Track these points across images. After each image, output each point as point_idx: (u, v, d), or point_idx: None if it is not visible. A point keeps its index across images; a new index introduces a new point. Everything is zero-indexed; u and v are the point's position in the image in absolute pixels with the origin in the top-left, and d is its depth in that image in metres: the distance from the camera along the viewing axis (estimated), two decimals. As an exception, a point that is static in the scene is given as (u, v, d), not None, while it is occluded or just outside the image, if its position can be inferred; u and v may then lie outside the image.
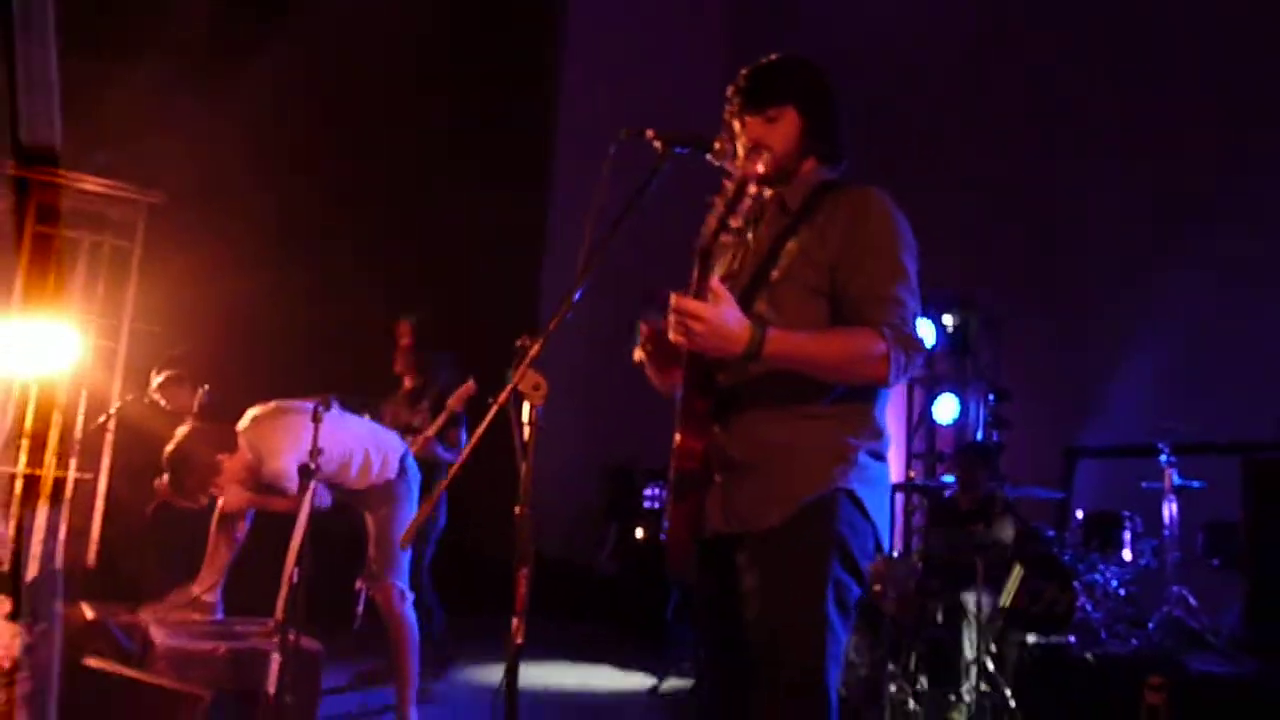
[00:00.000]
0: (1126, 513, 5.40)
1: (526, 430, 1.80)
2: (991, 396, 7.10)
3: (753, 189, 2.05)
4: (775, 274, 2.05)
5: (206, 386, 5.64)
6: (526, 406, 1.81)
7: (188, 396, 5.61)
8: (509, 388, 1.79)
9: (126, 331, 6.29)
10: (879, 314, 1.97)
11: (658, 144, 1.99)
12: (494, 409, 1.80)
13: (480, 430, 1.77)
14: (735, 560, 2.03)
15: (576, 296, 1.89)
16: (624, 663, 6.18)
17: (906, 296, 2.02)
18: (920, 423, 7.81)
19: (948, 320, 7.40)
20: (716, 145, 2.06)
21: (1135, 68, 6.92)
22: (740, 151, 2.09)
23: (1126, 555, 5.33)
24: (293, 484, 3.47)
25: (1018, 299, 7.30)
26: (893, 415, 7.44)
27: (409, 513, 3.97)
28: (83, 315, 6.21)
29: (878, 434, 2.09)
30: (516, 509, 1.78)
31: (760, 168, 2.06)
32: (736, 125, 2.12)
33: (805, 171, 2.15)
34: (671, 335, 1.86)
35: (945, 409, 7.40)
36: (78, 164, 6.32)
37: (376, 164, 7.93)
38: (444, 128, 8.29)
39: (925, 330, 7.27)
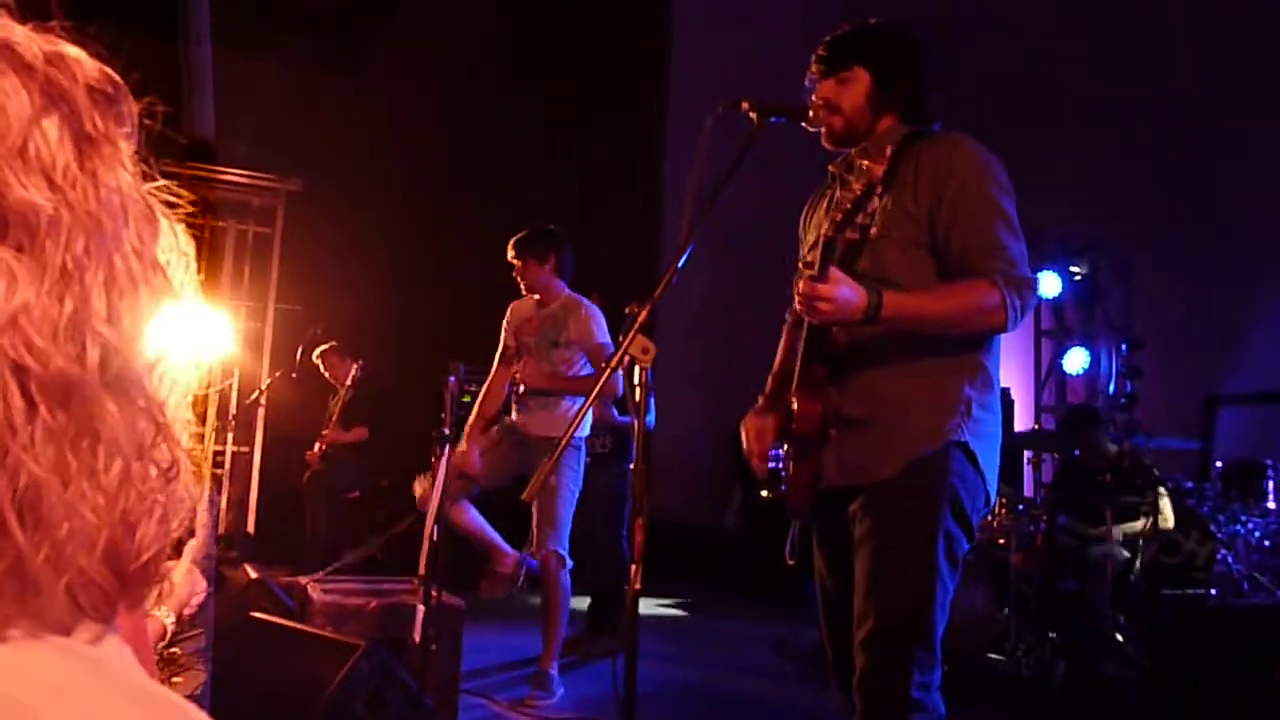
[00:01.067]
0: (1270, 460, 5.20)
1: (638, 392, 1.91)
2: (1124, 346, 6.88)
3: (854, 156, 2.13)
4: (874, 231, 2.10)
5: (361, 361, 5.99)
6: (637, 370, 1.92)
7: (345, 368, 5.98)
8: (620, 352, 1.91)
9: (272, 312, 6.71)
10: (986, 262, 2.00)
11: (753, 115, 2.07)
12: (606, 373, 1.93)
13: (594, 393, 1.90)
14: (849, 512, 2.10)
15: (680, 264, 1.99)
16: (751, 618, 6.32)
17: (1009, 239, 2.04)
18: (1049, 375, 7.63)
19: (1075, 269, 7.19)
20: (810, 114, 2.12)
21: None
22: (818, 113, 2.16)
23: (1270, 504, 5.15)
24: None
25: (1149, 243, 7.02)
26: (1020, 367, 7.35)
27: (575, 484, 4.10)
28: (232, 300, 6.67)
29: (989, 385, 2.12)
30: (632, 465, 1.90)
31: (837, 127, 2.18)
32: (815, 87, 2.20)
33: (883, 128, 2.20)
34: (798, 308, 1.99)
35: (1075, 360, 7.22)
36: (222, 157, 6.76)
37: (495, 140, 8.16)
38: (563, 99, 8.45)
39: (1050, 280, 7.09)
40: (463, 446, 4.08)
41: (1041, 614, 4.72)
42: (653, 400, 4.75)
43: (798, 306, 1.99)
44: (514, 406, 4.38)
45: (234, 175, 6.68)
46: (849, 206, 1.94)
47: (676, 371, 8.88)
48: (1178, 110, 6.89)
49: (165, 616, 1.70)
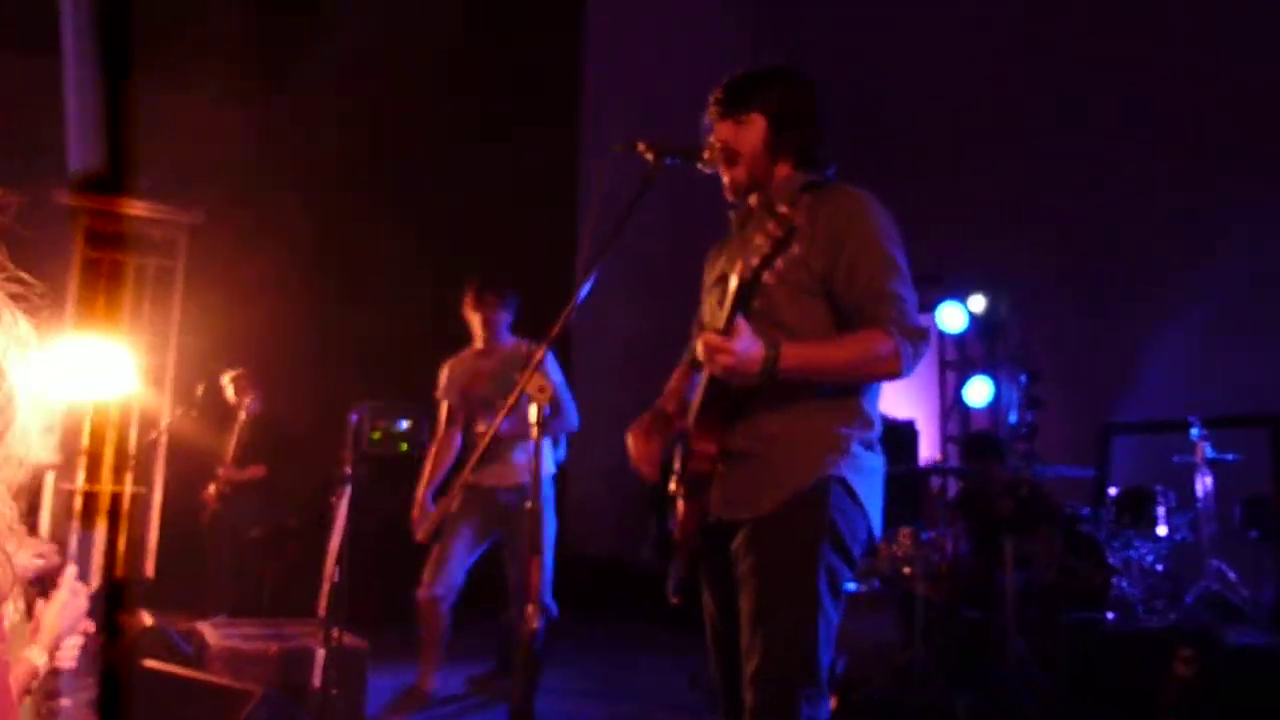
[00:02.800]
0: (1159, 488, 5.40)
1: (535, 430, 1.91)
2: (1024, 377, 7.10)
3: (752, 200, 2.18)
4: (767, 277, 2.14)
5: (253, 395, 5.87)
6: (534, 408, 1.92)
7: (247, 395, 5.86)
8: (517, 390, 1.91)
9: (174, 348, 6.54)
10: (881, 312, 2.07)
11: (649, 155, 2.10)
12: (504, 410, 1.93)
13: (492, 430, 1.89)
14: (732, 546, 2.13)
15: (578, 302, 2.01)
16: (667, 651, 6.30)
17: (903, 290, 2.11)
18: (954, 406, 7.83)
19: (977, 303, 7.41)
20: (706, 155, 2.16)
21: (1162, 40, 6.88)
22: (714, 155, 2.20)
23: (1161, 530, 5.34)
24: None
25: (1047, 277, 7.29)
26: (925, 399, 7.53)
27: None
28: (132, 335, 6.47)
29: (869, 423, 2.18)
30: (528, 503, 1.89)
31: (739, 177, 2.23)
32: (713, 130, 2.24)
33: (781, 175, 2.24)
34: (703, 363, 2.03)
35: (978, 392, 7.43)
36: (122, 189, 6.58)
37: (408, 174, 8.11)
38: (474, 137, 8.44)
39: (953, 313, 7.30)
40: (416, 513, 4.08)
41: (946, 642, 4.81)
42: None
43: (700, 357, 2.02)
44: (475, 464, 4.41)
45: (134, 208, 6.51)
46: (769, 250, 1.97)
47: (599, 408, 8.89)
48: (1073, 149, 7.19)
49: (37, 657, 1.64)
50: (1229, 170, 6.33)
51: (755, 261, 1.97)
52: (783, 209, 2.00)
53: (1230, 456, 5.41)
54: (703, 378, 2.15)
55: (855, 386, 2.16)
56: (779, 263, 2.10)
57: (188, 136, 7.12)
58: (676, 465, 2.22)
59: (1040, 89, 7.51)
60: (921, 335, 2.08)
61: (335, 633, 3.04)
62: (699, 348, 2.01)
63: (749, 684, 2.02)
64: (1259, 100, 6.23)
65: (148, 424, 6.21)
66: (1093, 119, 7.10)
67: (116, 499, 6.11)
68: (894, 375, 2.08)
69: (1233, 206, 6.27)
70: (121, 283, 6.63)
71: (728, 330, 1.96)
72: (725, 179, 2.22)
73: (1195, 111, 6.60)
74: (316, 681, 2.96)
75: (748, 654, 2.03)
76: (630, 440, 2.32)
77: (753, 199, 2.26)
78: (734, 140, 2.21)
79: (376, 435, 7.35)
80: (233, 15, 7.42)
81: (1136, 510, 5.36)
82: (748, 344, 1.96)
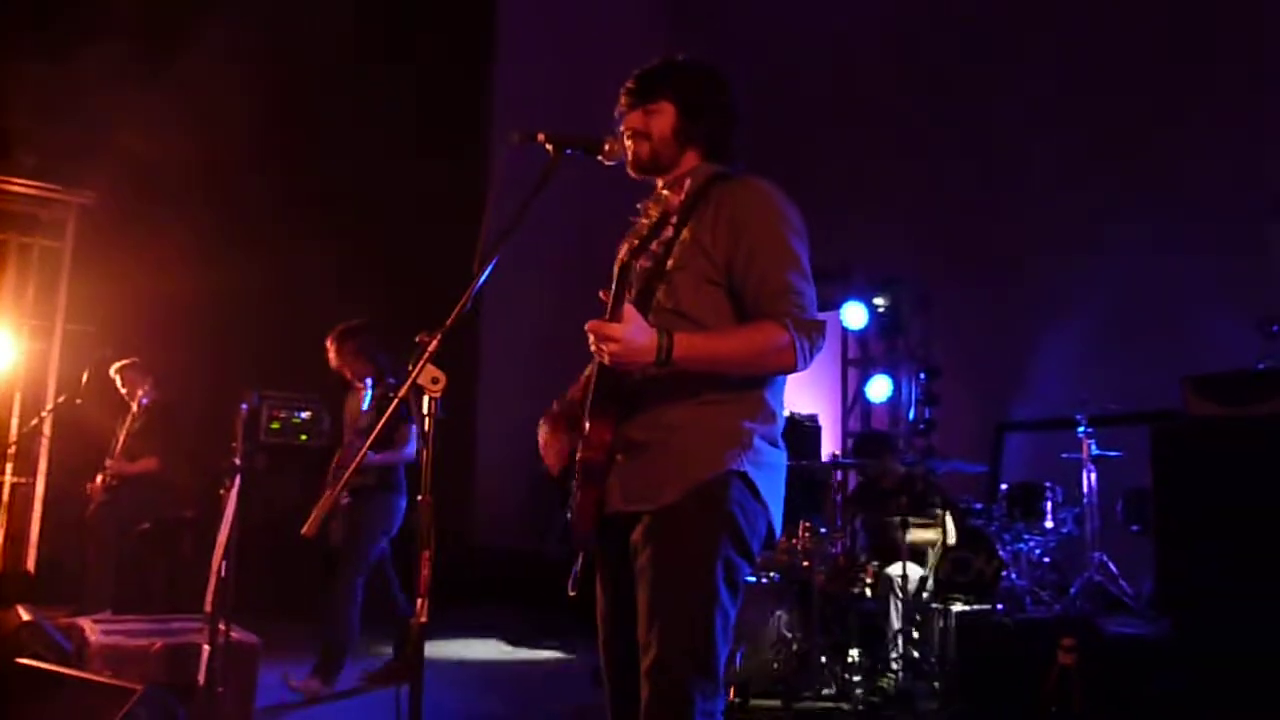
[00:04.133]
0: (1048, 483, 5.58)
1: (427, 422, 1.89)
2: (923, 375, 7.28)
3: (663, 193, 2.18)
4: (670, 263, 2.14)
5: (150, 382, 5.64)
6: (426, 400, 1.90)
7: (141, 387, 5.64)
8: (408, 382, 1.88)
9: (60, 333, 6.27)
10: (778, 305, 2.05)
11: (549, 146, 2.08)
12: (394, 403, 1.90)
13: (380, 424, 1.86)
14: (630, 538, 2.12)
15: (473, 292, 1.98)
16: (570, 648, 6.30)
17: (801, 283, 2.10)
18: (855, 402, 7.99)
19: (879, 301, 7.57)
20: (606, 146, 2.15)
21: (1064, 49, 7.11)
22: (626, 143, 2.20)
23: (1049, 524, 5.53)
24: None
25: (946, 278, 7.48)
26: (828, 395, 7.65)
27: None
28: (14, 318, 6.19)
29: (772, 418, 2.18)
30: (419, 496, 1.86)
31: (643, 154, 2.21)
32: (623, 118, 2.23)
33: (688, 164, 2.24)
34: (593, 351, 1.97)
35: (878, 388, 7.59)
36: (6, 166, 6.29)
37: (314, 158, 7.93)
38: (378, 119, 8.29)
39: (856, 312, 7.44)
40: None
41: (842, 633, 4.91)
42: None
43: (590, 346, 1.97)
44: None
45: (16, 185, 6.22)
46: (644, 233, 1.96)
47: (501, 399, 8.85)
48: (975, 153, 7.39)
49: None
50: (1121, 179, 6.58)
51: (635, 243, 1.96)
52: (665, 193, 1.98)
53: (1114, 453, 5.62)
54: (594, 364, 2.13)
55: (757, 380, 2.15)
56: (679, 251, 2.09)
57: (79, 115, 6.84)
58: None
59: (945, 92, 7.70)
60: (818, 328, 2.07)
61: (222, 628, 2.95)
62: (587, 329, 1.95)
63: (644, 677, 2.01)
64: (1153, 112, 6.49)
65: (30, 412, 5.95)
66: (995, 126, 7.31)
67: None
68: (789, 368, 2.07)
69: (1122, 214, 6.52)
70: (2, 263, 6.35)
71: (614, 316, 1.92)
72: (630, 153, 2.20)
73: (1092, 121, 6.85)
74: (202, 679, 2.88)
75: (644, 649, 2.02)
76: (540, 431, 2.30)
77: (659, 187, 2.26)
78: (643, 125, 2.21)
79: (275, 425, 7.19)
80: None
81: (1026, 505, 5.53)
82: (636, 331, 1.92)
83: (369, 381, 4.76)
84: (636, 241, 1.97)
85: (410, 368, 1.90)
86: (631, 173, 2.25)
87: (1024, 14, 7.38)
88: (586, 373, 2.38)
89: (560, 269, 8.67)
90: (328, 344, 5.05)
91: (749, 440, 2.11)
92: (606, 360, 1.95)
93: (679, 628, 2.01)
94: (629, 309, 1.94)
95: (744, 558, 2.09)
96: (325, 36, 7.74)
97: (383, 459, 4.79)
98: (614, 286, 1.96)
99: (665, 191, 2.12)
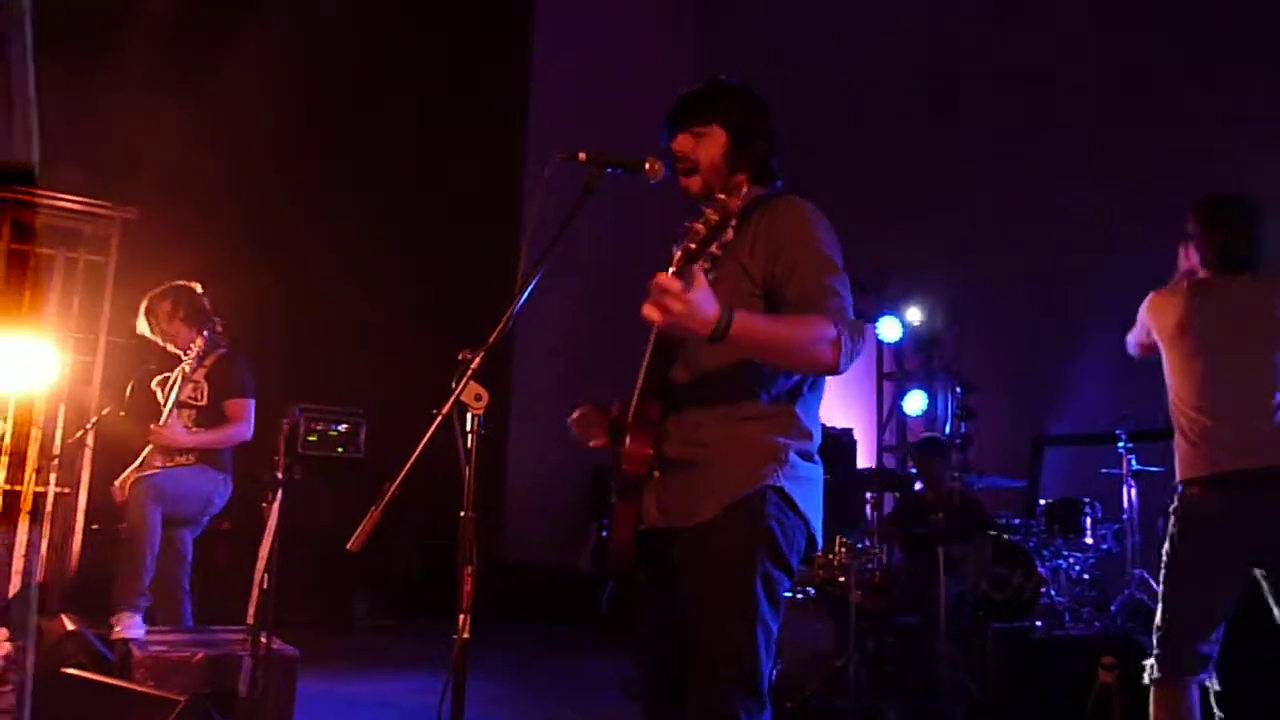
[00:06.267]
0: (1086, 499, 5.53)
1: (470, 439, 1.90)
2: (959, 389, 7.22)
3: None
4: (712, 278, 2.14)
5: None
6: (470, 416, 1.91)
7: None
8: (451, 399, 1.89)
9: (103, 345, 6.35)
10: (820, 303, 2.06)
11: (591, 165, 2.10)
12: (438, 419, 1.91)
13: (425, 439, 1.88)
14: (669, 555, 2.12)
15: (515, 310, 2.00)
16: (601, 658, 6.30)
17: (841, 287, 2.11)
18: (890, 416, 7.95)
19: (913, 314, 7.53)
20: (647, 166, 2.17)
21: (1109, 59, 7.05)
22: (670, 166, 2.21)
23: (1088, 540, 5.46)
24: None
25: (982, 294, 7.43)
26: (863, 409, 7.59)
27: None
28: (59, 331, 6.29)
29: (807, 435, 2.19)
30: (462, 512, 1.88)
31: (695, 187, 2.22)
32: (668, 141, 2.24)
33: (735, 186, 2.24)
34: (646, 310, 1.86)
35: (914, 402, 7.54)
36: (51, 182, 6.40)
37: (349, 169, 8.01)
38: (420, 129, 8.37)
39: (891, 326, 7.41)
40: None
41: (879, 649, 4.87)
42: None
43: (645, 305, 1.85)
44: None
45: (63, 201, 6.32)
46: (704, 231, 1.91)
47: (536, 414, 8.88)
48: (1009, 166, 7.34)
49: None
50: (1159, 185, 6.50)
51: (692, 246, 1.91)
52: (721, 196, 1.94)
53: (1155, 469, 5.55)
54: (643, 365, 2.12)
55: (794, 395, 2.16)
56: (719, 255, 2.04)
57: (123, 130, 6.95)
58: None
59: (979, 108, 7.66)
60: (859, 330, 2.06)
61: (264, 639, 2.98)
62: (654, 282, 1.84)
63: (689, 696, 2.01)
64: (1193, 116, 6.41)
65: (74, 423, 6.04)
66: (1029, 138, 7.25)
67: (39, 499, 5.93)
68: (830, 366, 2.02)
69: (1159, 223, 6.42)
70: (48, 277, 6.45)
71: (682, 275, 1.85)
72: (680, 182, 2.22)
73: (1132, 133, 6.78)
74: (243, 689, 2.90)
75: (688, 667, 2.03)
76: (577, 415, 2.33)
77: (705, 208, 2.26)
78: (693, 152, 2.23)
79: (313, 438, 7.26)
80: (170, 6, 7.27)
81: (1065, 521, 5.48)
82: (703, 298, 1.84)
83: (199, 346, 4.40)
84: (693, 243, 1.93)
85: (454, 384, 1.91)
86: (687, 197, 2.26)
87: (1055, 21, 7.33)
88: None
89: (594, 285, 8.70)
90: (144, 313, 4.66)
91: (785, 455, 2.13)
92: (660, 319, 1.84)
93: (722, 645, 2.01)
94: (699, 274, 1.87)
95: (783, 572, 2.10)
96: (359, 47, 7.84)
97: (214, 437, 4.51)
98: (680, 254, 1.93)
99: (720, 195, 2.06)
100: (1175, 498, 3.19)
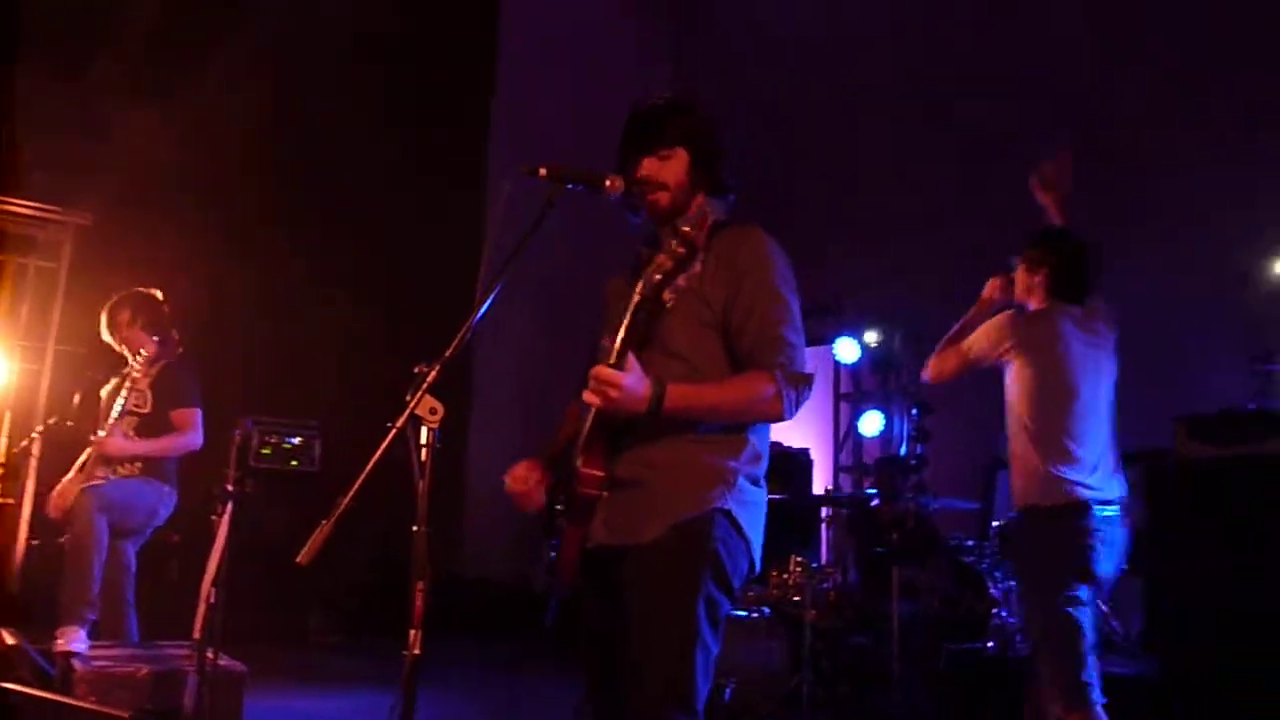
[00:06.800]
0: (1038, 521, 5.59)
1: (424, 453, 1.89)
2: (915, 410, 7.29)
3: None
4: (668, 301, 2.17)
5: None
6: (424, 430, 1.90)
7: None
8: (406, 412, 1.88)
9: (52, 354, 6.24)
10: (769, 356, 2.13)
11: (551, 180, 2.11)
12: (392, 433, 1.90)
13: (379, 453, 1.86)
14: (615, 573, 2.14)
15: (473, 324, 1.99)
16: (552, 679, 6.26)
17: (794, 337, 2.18)
18: (847, 437, 8.00)
19: (871, 336, 7.60)
20: (607, 183, 2.18)
21: (1059, 78, 7.18)
22: (633, 189, 2.23)
23: (1039, 562, 5.52)
24: None
25: (939, 314, 7.49)
26: (820, 430, 7.63)
27: None
28: (6, 339, 6.17)
29: (757, 459, 2.22)
30: (415, 527, 1.87)
31: (664, 203, 2.25)
32: (629, 163, 2.25)
33: (696, 206, 2.28)
34: (586, 397, 2.02)
35: (870, 423, 7.61)
36: (4, 185, 6.29)
37: (307, 179, 7.94)
38: (383, 140, 8.31)
39: (849, 347, 7.47)
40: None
41: (833, 669, 4.89)
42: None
43: (585, 392, 2.02)
44: None
45: (14, 206, 6.22)
46: (670, 266, 1.99)
47: (495, 429, 8.83)
48: (965, 186, 7.45)
49: None
50: (1113, 216, 6.62)
51: (657, 278, 2.00)
52: (685, 228, 2.01)
53: (1105, 492, 5.63)
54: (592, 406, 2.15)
55: (746, 424, 2.20)
56: (681, 284, 2.11)
57: (76, 134, 6.85)
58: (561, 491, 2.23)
59: (938, 127, 7.77)
60: (806, 382, 2.14)
61: (211, 655, 2.93)
62: (591, 373, 2.01)
63: (627, 711, 2.04)
64: (1147, 147, 6.55)
65: (19, 432, 5.92)
66: (987, 160, 7.36)
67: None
68: (775, 418, 2.14)
69: (1114, 253, 6.54)
70: (-3, 284, 6.34)
71: (619, 364, 1.98)
72: (646, 203, 2.24)
73: (1085, 156, 6.89)
74: (189, 706, 2.85)
75: (627, 684, 2.04)
76: (510, 477, 2.34)
77: (665, 231, 2.28)
78: (659, 174, 2.25)
79: (266, 450, 7.16)
80: (128, 8, 7.18)
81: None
82: (635, 381, 1.99)
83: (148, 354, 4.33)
84: (659, 276, 1.99)
85: (408, 398, 1.90)
86: (653, 220, 2.29)
87: (1018, 47, 7.46)
88: (558, 432, 2.41)
89: (555, 301, 8.68)
90: (106, 320, 4.60)
91: (733, 479, 2.16)
92: (605, 405, 2.00)
93: (661, 664, 2.03)
94: (631, 359, 2.00)
95: (725, 594, 2.12)
96: (323, 56, 7.78)
97: (164, 445, 4.44)
98: (624, 322, 2.02)
99: (686, 228, 2.09)
100: (1066, 519, 3.24)
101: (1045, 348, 3.38)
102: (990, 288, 3.70)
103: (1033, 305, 3.53)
